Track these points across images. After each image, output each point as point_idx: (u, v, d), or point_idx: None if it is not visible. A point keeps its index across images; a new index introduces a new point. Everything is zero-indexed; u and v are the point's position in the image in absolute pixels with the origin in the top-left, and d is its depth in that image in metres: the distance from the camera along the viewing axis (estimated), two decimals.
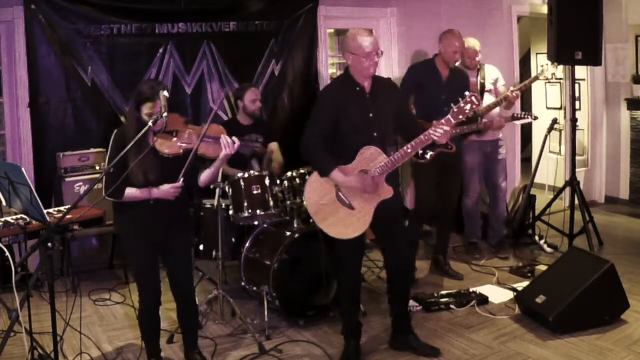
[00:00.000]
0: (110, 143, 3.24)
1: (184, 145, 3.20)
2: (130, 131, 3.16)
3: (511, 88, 5.14)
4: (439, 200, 4.97)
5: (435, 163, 4.65)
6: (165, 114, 3.10)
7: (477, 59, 5.20)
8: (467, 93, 3.28)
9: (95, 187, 3.09)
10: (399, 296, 3.73)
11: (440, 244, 5.12)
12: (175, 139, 3.21)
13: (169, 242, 3.37)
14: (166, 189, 3.20)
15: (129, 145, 3.03)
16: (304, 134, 3.48)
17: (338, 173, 3.41)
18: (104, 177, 3.07)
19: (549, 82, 7.81)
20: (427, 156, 4.51)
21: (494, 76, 5.33)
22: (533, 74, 8.02)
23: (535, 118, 5.16)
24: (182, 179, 3.18)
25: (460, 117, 3.29)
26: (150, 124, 3.08)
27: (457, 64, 4.82)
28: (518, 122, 5.11)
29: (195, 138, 3.21)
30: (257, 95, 4.96)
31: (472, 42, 5.18)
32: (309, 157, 3.48)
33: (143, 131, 3.07)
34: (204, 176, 3.33)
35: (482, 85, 5.23)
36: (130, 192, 3.19)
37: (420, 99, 4.78)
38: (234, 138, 3.19)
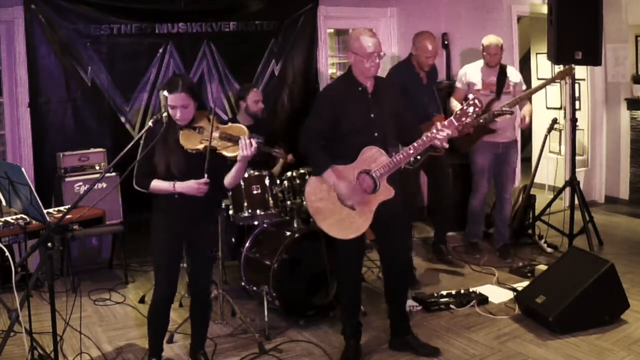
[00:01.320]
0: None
1: (205, 142, 3.20)
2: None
3: (523, 86, 5.16)
4: (433, 197, 4.96)
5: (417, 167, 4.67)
6: (165, 114, 3.12)
7: (497, 56, 5.11)
8: (470, 96, 3.29)
9: (96, 186, 3.11)
10: (396, 296, 3.73)
11: (440, 234, 5.14)
12: (198, 135, 3.22)
13: (193, 240, 3.39)
14: (190, 185, 3.18)
15: (131, 143, 3.10)
16: (302, 130, 3.49)
17: (331, 174, 3.41)
18: (135, 167, 3.21)
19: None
20: (417, 160, 4.53)
21: (515, 80, 5.24)
22: (533, 74, 8.04)
23: (511, 113, 5.07)
24: (206, 176, 3.17)
25: (463, 119, 3.28)
26: (150, 123, 3.12)
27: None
28: (498, 119, 5.05)
29: (217, 136, 3.22)
30: (260, 96, 4.96)
31: (493, 40, 5.12)
32: (305, 153, 3.49)
33: (144, 131, 3.13)
34: (228, 178, 3.32)
35: (501, 86, 5.16)
36: (156, 184, 3.23)
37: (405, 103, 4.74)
38: (252, 141, 3.17)
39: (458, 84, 5.33)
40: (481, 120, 4.92)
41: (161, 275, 3.34)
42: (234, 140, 3.18)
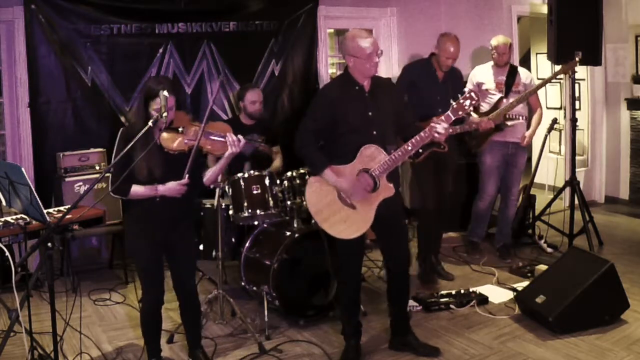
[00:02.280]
0: (117, 140, 3.23)
1: (189, 142, 3.19)
2: (137, 128, 3.13)
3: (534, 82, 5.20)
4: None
5: (431, 161, 4.66)
6: (165, 114, 3.10)
7: (506, 55, 5.15)
8: (466, 89, 3.29)
9: (96, 186, 3.10)
10: (398, 296, 3.73)
11: (433, 244, 5.09)
12: (181, 135, 3.21)
13: (173, 242, 3.36)
14: (172, 186, 3.18)
15: (129, 146, 3.03)
16: (297, 131, 3.49)
17: (330, 173, 3.41)
18: (110, 174, 3.12)
19: (549, 82, 7.80)
20: (418, 154, 4.53)
21: (525, 80, 5.25)
22: (533, 74, 8.02)
23: (525, 119, 5.17)
24: (187, 176, 3.16)
25: (460, 113, 3.29)
26: (150, 123, 3.08)
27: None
28: (510, 123, 5.10)
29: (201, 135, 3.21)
30: (259, 96, 4.96)
31: (502, 39, 5.19)
32: (302, 154, 3.48)
33: (143, 131, 3.07)
34: (209, 174, 3.30)
35: (509, 85, 5.17)
36: (136, 189, 3.19)
37: (415, 99, 4.74)
38: (239, 136, 3.17)
39: (469, 85, 5.35)
40: (489, 118, 4.94)
41: (147, 280, 3.33)
42: (221, 138, 3.17)
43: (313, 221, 3.64)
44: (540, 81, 5.63)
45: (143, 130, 3.06)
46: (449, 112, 3.29)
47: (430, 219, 4.89)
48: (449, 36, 4.72)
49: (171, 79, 3.33)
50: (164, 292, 3.39)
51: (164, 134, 3.18)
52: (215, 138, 3.22)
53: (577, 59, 5.16)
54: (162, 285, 3.37)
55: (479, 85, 5.24)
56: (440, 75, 4.74)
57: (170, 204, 3.23)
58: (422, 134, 3.33)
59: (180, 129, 3.22)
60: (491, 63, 5.27)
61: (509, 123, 5.07)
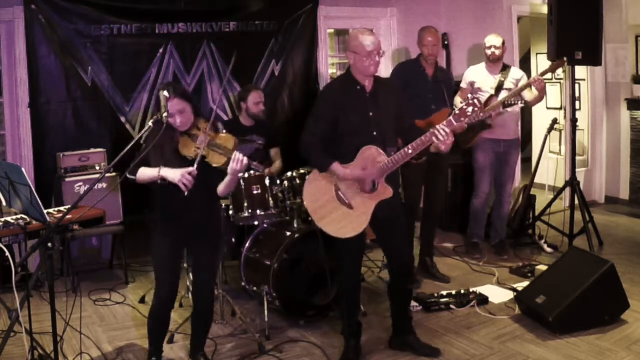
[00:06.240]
0: None
1: (196, 150, 3.18)
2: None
3: (533, 76, 5.15)
4: (425, 199, 4.96)
5: (424, 162, 4.66)
6: (165, 115, 3.10)
7: (496, 52, 5.16)
8: (469, 95, 3.29)
9: (96, 187, 3.10)
10: (400, 296, 3.73)
11: (426, 245, 5.06)
12: (192, 142, 3.21)
13: (194, 244, 3.37)
14: (175, 171, 3.11)
15: (131, 143, 3.07)
16: (303, 132, 3.49)
17: (338, 165, 3.40)
18: (134, 160, 3.19)
19: (549, 82, 7.81)
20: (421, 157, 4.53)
21: (516, 76, 5.24)
22: (533, 74, 8.03)
23: (525, 103, 5.12)
24: (195, 167, 3.11)
25: (462, 119, 3.26)
26: (150, 123, 3.11)
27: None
28: (509, 109, 5.09)
29: (207, 143, 3.20)
30: (261, 97, 4.96)
31: (492, 38, 5.22)
32: (307, 154, 3.48)
33: (143, 131, 3.12)
34: (221, 187, 3.29)
35: (501, 82, 5.17)
36: (143, 170, 3.17)
37: (409, 98, 4.75)
38: (244, 158, 3.10)
39: (463, 84, 5.37)
40: (481, 114, 4.93)
41: (161, 279, 3.33)
42: (221, 149, 3.15)
43: (310, 219, 3.64)
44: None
45: (144, 130, 3.12)
46: (450, 118, 3.28)
47: (413, 218, 4.89)
48: (426, 27, 4.82)
49: (178, 86, 3.32)
50: (176, 291, 3.38)
51: (182, 140, 3.20)
52: (218, 151, 3.20)
53: (564, 58, 5.16)
54: (175, 284, 3.36)
55: (471, 83, 5.26)
56: (429, 72, 4.78)
57: (193, 208, 3.22)
58: (422, 137, 3.31)
59: (192, 136, 3.23)
60: (484, 63, 5.29)
61: (509, 109, 5.05)
